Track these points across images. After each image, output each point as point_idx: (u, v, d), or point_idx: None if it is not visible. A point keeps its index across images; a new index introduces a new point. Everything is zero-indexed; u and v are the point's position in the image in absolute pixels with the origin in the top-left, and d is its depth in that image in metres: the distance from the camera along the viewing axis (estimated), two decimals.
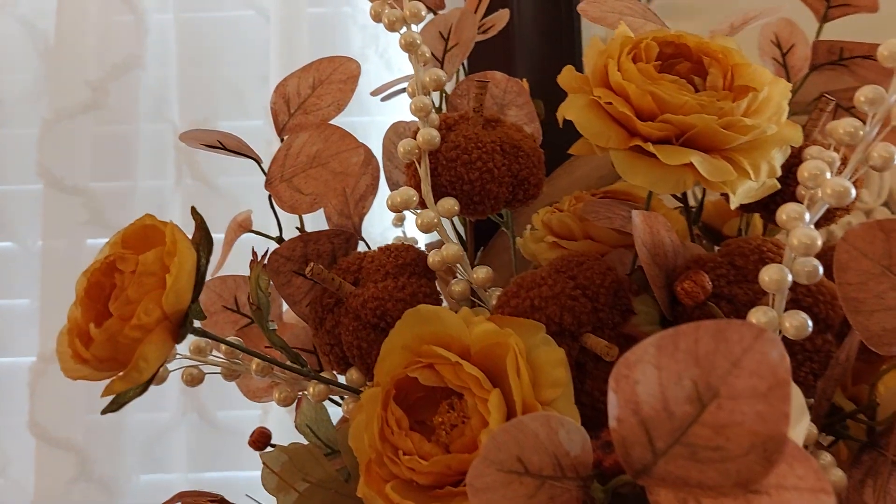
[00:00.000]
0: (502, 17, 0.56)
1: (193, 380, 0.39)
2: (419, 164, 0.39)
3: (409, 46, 0.40)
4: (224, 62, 0.85)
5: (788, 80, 0.53)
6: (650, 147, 0.32)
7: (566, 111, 0.34)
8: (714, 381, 0.24)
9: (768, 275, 0.31)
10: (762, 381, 0.24)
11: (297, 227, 0.46)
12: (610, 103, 0.33)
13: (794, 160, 0.38)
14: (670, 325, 0.38)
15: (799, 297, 0.34)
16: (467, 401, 0.31)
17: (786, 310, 0.31)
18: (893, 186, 0.71)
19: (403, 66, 0.77)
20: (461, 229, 0.52)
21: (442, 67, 0.50)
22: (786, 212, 0.31)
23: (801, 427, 0.28)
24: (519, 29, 0.73)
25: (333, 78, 0.45)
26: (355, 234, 0.47)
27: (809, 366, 0.36)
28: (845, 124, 0.31)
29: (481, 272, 0.39)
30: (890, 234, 0.31)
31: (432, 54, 0.49)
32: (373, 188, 0.48)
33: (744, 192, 0.34)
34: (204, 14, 0.85)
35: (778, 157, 0.34)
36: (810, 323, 0.31)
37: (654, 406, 0.25)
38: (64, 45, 0.81)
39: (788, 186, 0.38)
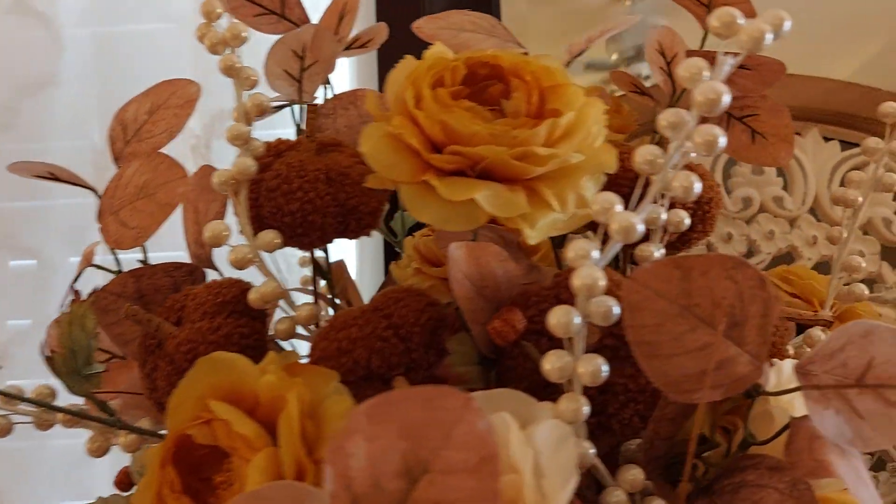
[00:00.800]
0: (379, 30, 0.53)
1: (1, 430, 0.37)
2: (236, 195, 0.37)
3: (229, 70, 0.38)
4: (143, 77, 0.83)
5: (673, 91, 0.50)
6: (433, 181, 0.29)
7: (362, 143, 0.32)
8: (425, 454, 0.22)
9: (555, 317, 0.28)
10: (472, 455, 0.21)
11: (139, 261, 0.44)
12: (401, 133, 0.31)
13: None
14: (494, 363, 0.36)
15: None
16: (234, 461, 0.29)
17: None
18: (819, 192, 0.68)
19: None
20: None
21: (300, 86, 0.48)
22: (573, 249, 0.28)
23: (564, 495, 0.26)
24: None
25: (170, 103, 0.43)
26: (200, 266, 0.44)
27: (634, 407, 0.34)
28: (643, 152, 0.29)
29: (304, 310, 0.37)
30: (687, 272, 0.28)
31: (287, 72, 0.46)
32: (221, 214, 0.46)
33: (547, 225, 0.31)
34: (121, 27, 0.83)
35: (590, 186, 0.32)
36: (605, 368, 0.29)
37: (366, 482, 0.22)
38: None
39: None
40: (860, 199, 0.47)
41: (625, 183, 0.39)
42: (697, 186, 0.29)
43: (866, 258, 0.67)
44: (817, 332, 0.45)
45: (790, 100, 0.73)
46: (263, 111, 0.38)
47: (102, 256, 0.48)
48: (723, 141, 0.28)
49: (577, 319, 0.29)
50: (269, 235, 0.37)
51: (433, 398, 0.22)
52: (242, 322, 0.37)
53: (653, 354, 0.28)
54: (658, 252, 0.39)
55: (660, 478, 0.36)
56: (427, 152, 0.30)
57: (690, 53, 0.46)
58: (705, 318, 0.28)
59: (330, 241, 0.39)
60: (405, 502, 0.22)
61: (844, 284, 0.48)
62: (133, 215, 0.40)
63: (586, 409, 0.30)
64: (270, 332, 0.39)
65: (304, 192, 0.37)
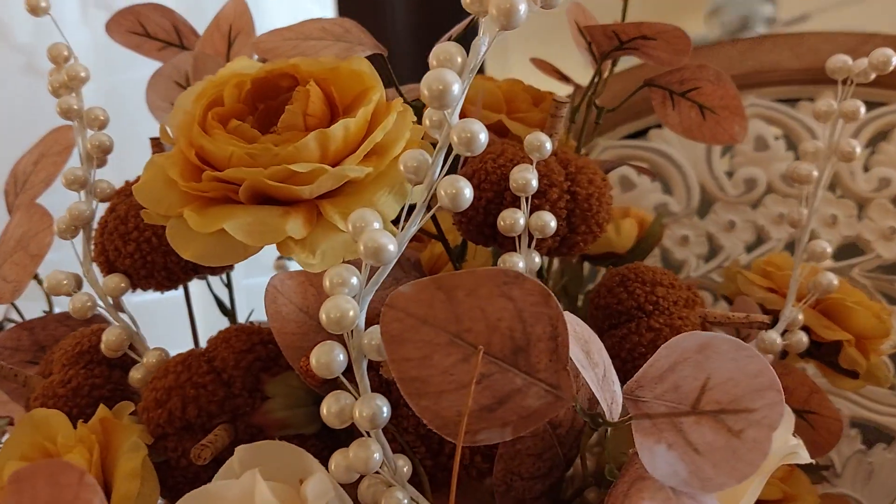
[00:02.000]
0: None
1: None
2: (72, 240, 0.36)
3: (67, 113, 0.37)
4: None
5: (599, 72, 0.45)
6: (187, 212, 0.27)
7: (143, 175, 0.29)
8: None
9: (315, 357, 0.25)
10: None
11: (43, 311, 0.44)
12: (164, 164, 0.28)
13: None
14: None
15: None
16: None
17: None
18: (837, 165, 0.60)
19: None
20: None
21: None
22: (328, 276, 0.25)
23: None
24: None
25: (52, 150, 0.43)
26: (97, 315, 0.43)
27: (472, 446, 0.30)
28: (408, 157, 0.25)
29: (152, 356, 0.35)
30: (451, 293, 0.24)
31: (172, 103, 0.45)
32: None
33: (335, 248, 0.28)
34: (122, 76, 0.85)
35: (388, 201, 0.28)
36: (386, 409, 0.25)
37: None
38: None
39: None
40: (815, 173, 0.40)
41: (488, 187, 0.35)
42: (466, 193, 0.25)
43: (840, 222, 0.58)
44: (771, 336, 0.39)
45: (799, 63, 0.64)
46: (105, 151, 0.37)
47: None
48: (483, 137, 0.24)
49: (341, 357, 0.25)
50: (115, 280, 0.36)
51: (54, 474, 0.19)
52: (97, 372, 0.36)
53: (421, 393, 0.24)
54: (534, 260, 0.34)
55: None
56: (185, 181, 0.27)
57: (592, 29, 0.41)
58: (480, 345, 0.24)
59: (180, 282, 0.37)
60: None
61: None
62: (12, 269, 0.39)
63: (377, 455, 0.26)
64: None
65: (139, 231, 0.35)
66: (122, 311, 0.36)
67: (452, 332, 0.24)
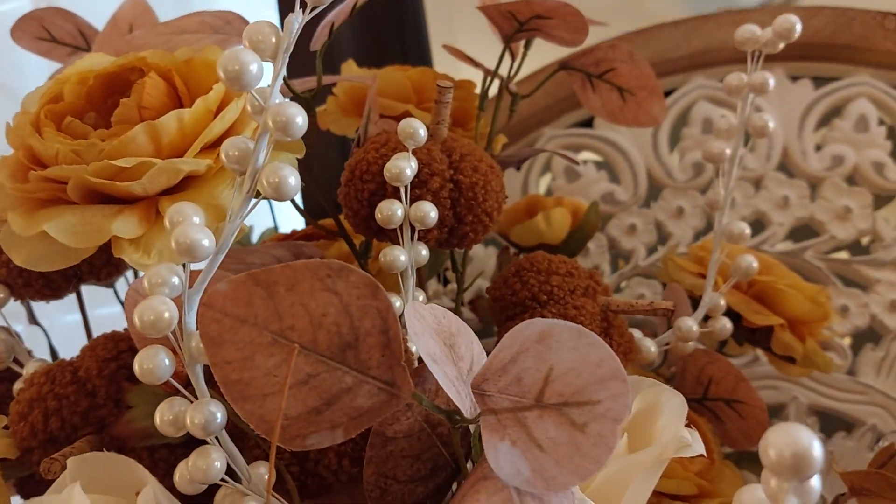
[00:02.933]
0: None
1: None
2: None
3: None
4: None
5: (512, 60, 0.44)
6: (10, 214, 0.25)
7: None
8: None
9: (138, 363, 0.23)
10: None
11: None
12: None
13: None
14: None
15: None
16: None
17: None
18: (788, 144, 0.58)
19: None
20: None
21: None
22: (147, 276, 0.23)
23: None
24: None
25: None
26: None
27: (336, 447, 0.28)
28: (228, 145, 0.23)
29: (32, 367, 0.34)
30: (271, 289, 0.22)
31: None
32: None
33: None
34: None
35: (227, 194, 0.27)
36: (220, 416, 0.23)
37: None
38: None
39: None
40: (728, 150, 0.38)
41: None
42: (291, 182, 0.23)
43: (854, 213, 0.55)
44: (686, 323, 0.37)
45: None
46: None
47: None
48: (300, 121, 0.23)
49: (167, 362, 0.24)
50: None
51: None
52: None
53: (245, 396, 0.22)
54: (420, 252, 0.33)
55: None
56: (13, 182, 0.26)
57: (489, 10, 0.39)
58: (305, 343, 0.22)
59: (63, 290, 0.35)
60: None
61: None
62: None
63: (219, 464, 0.25)
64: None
65: None
66: (3, 322, 0.35)
67: (274, 331, 0.22)
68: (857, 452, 0.53)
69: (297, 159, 0.30)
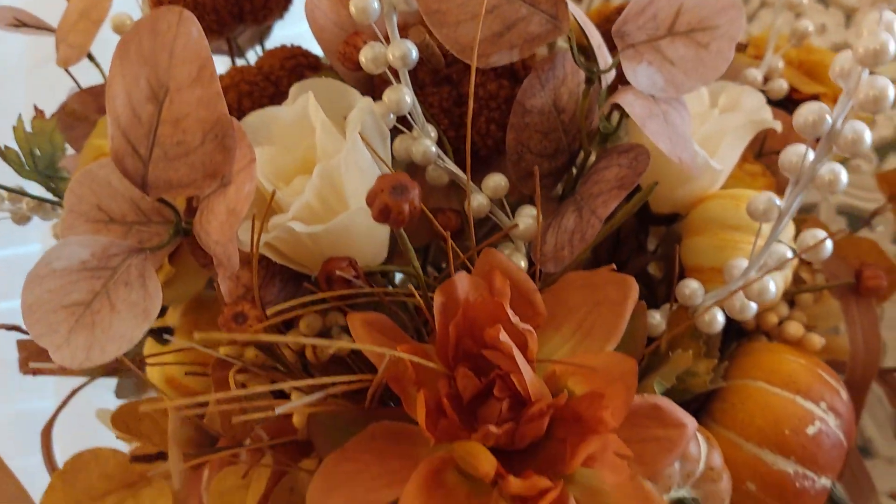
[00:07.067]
0: None
1: None
2: None
3: None
4: None
5: None
6: None
7: None
8: (161, 75, 0.24)
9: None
10: (193, 66, 0.24)
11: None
12: None
13: None
14: None
15: None
16: None
17: None
18: None
19: None
20: None
21: None
22: None
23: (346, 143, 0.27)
24: None
25: None
26: None
27: (488, 114, 0.35)
28: None
29: None
30: None
31: None
32: None
33: None
34: None
35: None
36: (414, 52, 0.30)
37: (127, 114, 0.25)
38: None
39: None
40: None
41: None
42: None
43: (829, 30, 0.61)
44: (752, 73, 0.44)
45: None
46: None
47: None
48: None
49: (375, 4, 0.30)
50: None
51: (156, 20, 0.24)
52: None
53: (442, 23, 0.29)
54: None
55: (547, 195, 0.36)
56: None
57: None
58: None
59: (230, 27, 0.41)
60: (158, 126, 0.25)
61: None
62: (76, 36, 0.45)
63: (409, 98, 0.31)
64: None
65: None
66: None
67: None
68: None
69: None
